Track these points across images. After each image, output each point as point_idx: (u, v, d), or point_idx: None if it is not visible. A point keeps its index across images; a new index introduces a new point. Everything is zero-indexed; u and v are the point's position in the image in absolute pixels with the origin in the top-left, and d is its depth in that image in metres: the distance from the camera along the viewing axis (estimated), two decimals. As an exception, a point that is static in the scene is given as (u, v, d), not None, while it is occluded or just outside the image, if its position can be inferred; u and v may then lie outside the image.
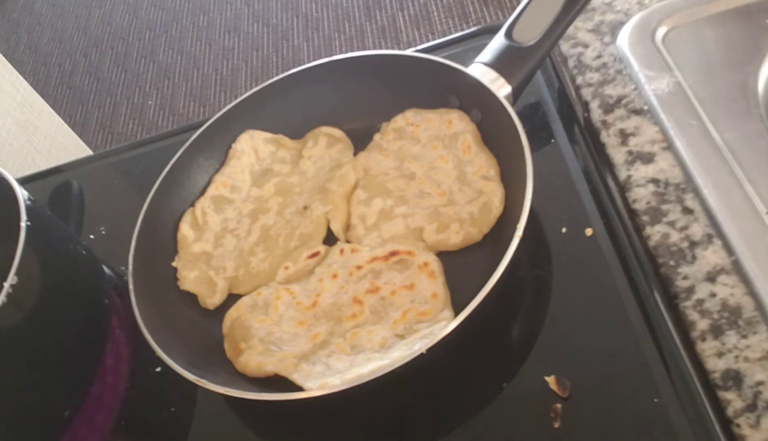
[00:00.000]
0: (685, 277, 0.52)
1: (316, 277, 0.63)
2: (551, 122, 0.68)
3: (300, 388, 0.53)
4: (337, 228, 0.66)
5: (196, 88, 2.51)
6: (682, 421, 0.47)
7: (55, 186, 0.88)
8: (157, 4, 2.94)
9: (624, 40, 0.68)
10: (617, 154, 0.61)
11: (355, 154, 0.72)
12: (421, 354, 0.47)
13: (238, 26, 2.67)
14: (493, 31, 0.68)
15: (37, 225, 0.62)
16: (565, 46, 0.71)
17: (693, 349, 0.50)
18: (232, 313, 0.63)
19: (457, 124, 0.66)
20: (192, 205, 0.72)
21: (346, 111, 0.73)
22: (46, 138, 1.43)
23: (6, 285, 0.56)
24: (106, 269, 0.75)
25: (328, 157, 0.72)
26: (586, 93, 0.67)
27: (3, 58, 1.41)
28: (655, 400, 0.48)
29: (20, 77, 1.44)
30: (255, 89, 0.73)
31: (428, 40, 2.27)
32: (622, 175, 0.60)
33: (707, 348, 0.49)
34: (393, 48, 2.30)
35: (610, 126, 0.63)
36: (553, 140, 0.66)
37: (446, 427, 0.53)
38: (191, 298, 0.66)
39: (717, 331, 0.49)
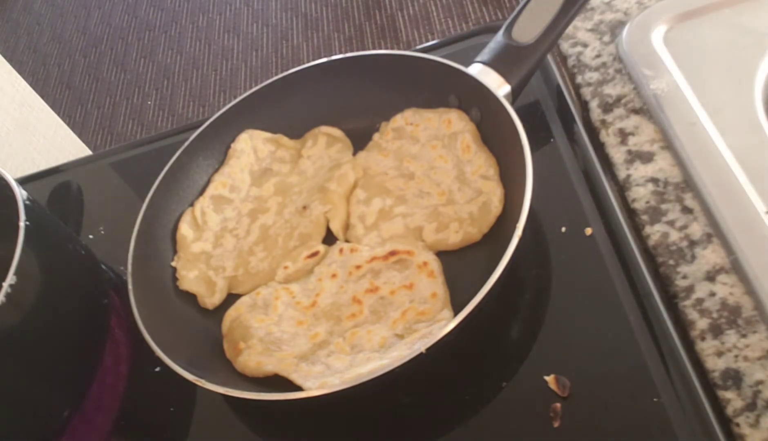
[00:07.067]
0: (684, 277, 0.52)
1: (316, 277, 0.63)
2: (550, 122, 0.68)
3: (299, 388, 0.53)
4: (336, 228, 0.66)
5: (195, 88, 2.51)
6: (681, 420, 0.47)
7: (54, 186, 0.88)
8: (157, 5, 2.94)
9: (623, 39, 0.68)
10: (616, 154, 0.61)
11: (355, 153, 0.72)
12: (421, 353, 0.47)
13: (238, 26, 2.67)
14: (492, 30, 0.68)
15: (36, 225, 0.62)
16: (564, 46, 0.71)
17: (692, 349, 0.50)
18: (231, 313, 0.63)
19: (456, 123, 0.66)
20: (191, 204, 0.72)
21: (345, 111, 0.73)
22: (45, 138, 1.43)
23: (5, 285, 0.56)
24: (105, 269, 0.75)
25: (328, 157, 0.72)
26: (586, 92, 0.67)
27: (2, 59, 1.41)
28: (655, 399, 0.48)
29: (19, 77, 1.44)
30: (254, 89, 0.73)
31: (427, 40, 2.27)
32: (622, 174, 0.60)
33: (707, 347, 0.49)
34: (392, 48, 2.30)
35: (610, 125, 0.63)
36: (552, 140, 0.66)
37: (446, 427, 0.53)
38: (190, 298, 0.66)
39: (716, 331, 0.49)
